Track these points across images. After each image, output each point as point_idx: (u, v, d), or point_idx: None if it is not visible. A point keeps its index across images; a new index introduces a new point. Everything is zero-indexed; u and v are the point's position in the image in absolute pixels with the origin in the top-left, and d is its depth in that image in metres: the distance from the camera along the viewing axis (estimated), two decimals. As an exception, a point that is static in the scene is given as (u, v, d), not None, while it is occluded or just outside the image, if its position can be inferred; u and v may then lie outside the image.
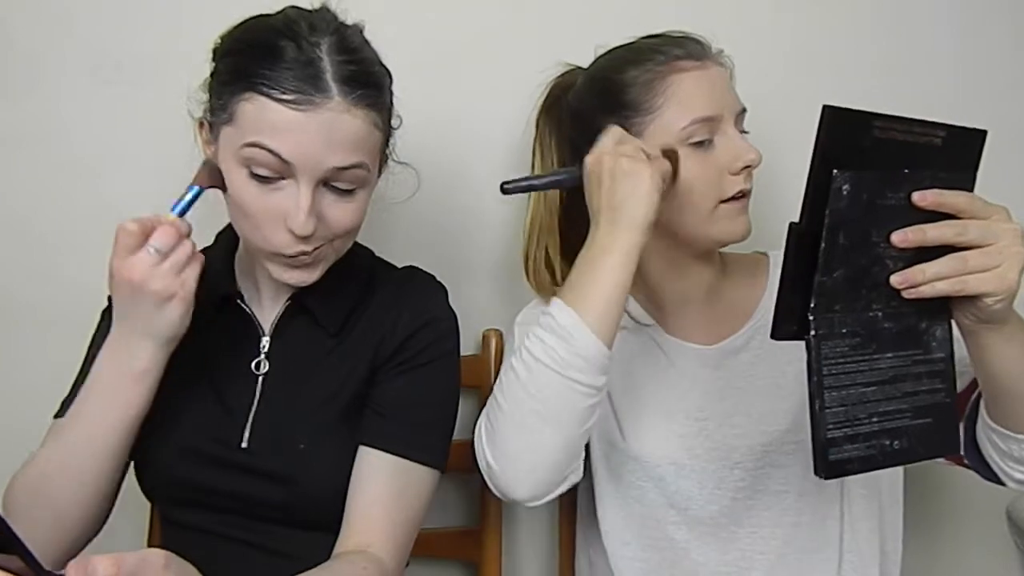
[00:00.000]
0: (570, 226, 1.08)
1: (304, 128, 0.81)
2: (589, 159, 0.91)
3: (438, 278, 1.03)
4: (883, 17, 1.32)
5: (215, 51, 0.90)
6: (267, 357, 0.96)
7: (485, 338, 1.24)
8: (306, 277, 0.89)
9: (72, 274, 1.20)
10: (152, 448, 0.94)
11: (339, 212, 0.87)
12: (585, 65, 1.07)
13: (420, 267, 1.04)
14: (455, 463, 1.21)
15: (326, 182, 0.85)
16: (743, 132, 1.00)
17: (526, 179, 0.96)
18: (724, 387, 1.02)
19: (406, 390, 0.95)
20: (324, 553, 0.89)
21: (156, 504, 0.96)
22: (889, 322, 0.75)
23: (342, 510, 0.90)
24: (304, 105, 0.81)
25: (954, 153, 0.75)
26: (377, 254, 1.05)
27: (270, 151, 0.82)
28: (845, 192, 0.70)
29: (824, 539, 1.00)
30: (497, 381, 0.93)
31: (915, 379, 0.76)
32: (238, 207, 0.87)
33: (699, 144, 0.96)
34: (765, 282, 1.07)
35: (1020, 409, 0.82)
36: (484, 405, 1.22)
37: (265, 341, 0.96)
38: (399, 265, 1.06)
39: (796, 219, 0.72)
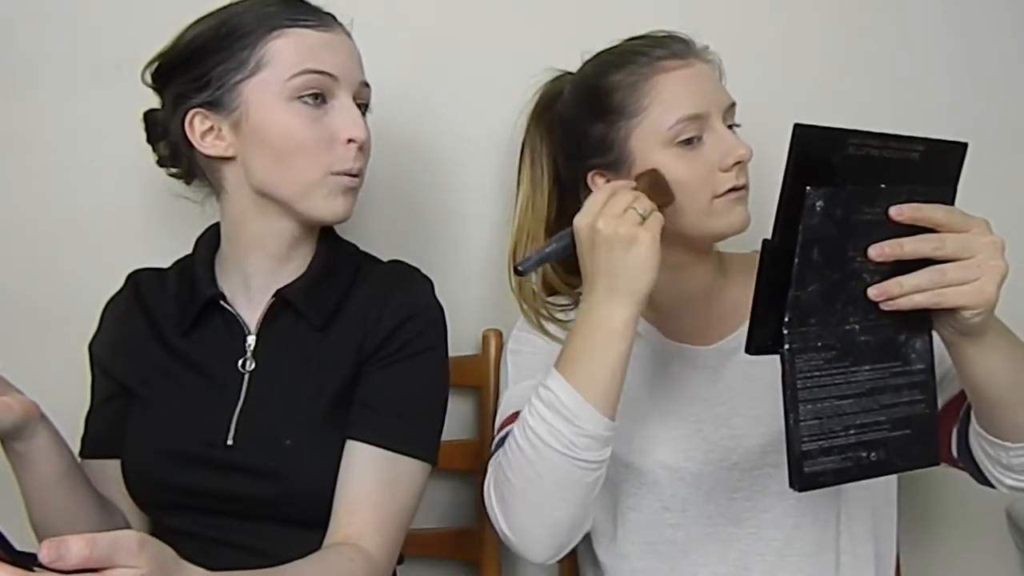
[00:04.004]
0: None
1: (336, 45, 0.92)
2: (580, 222, 0.89)
3: (423, 271, 1.02)
4: (881, 17, 1.32)
5: (193, 38, 0.92)
6: (253, 355, 0.96)
7: (485, 338, 1.24)
8: (350, 207, 0.94)
9: (73, 274, 1.20)
10: (138, 453, 0.94)
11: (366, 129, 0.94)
12: (575, 68, 1.06)
13: (405, 260, 1.03)
14: (455, 463, 1.22)
15: (354, 99, 0.93)
16: (734, 126, 0.99)
17: (538, 254, 0.93)
18: (723, 389, 1.02)
19: (393, 383, 0.94)
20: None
21: (146, 510, 0.97)
22: (866, 335, 0.75)
23: (331, 506, 0.90)
24: (328, 27, 0.92)
25: (933, 167, 0.74)
26: (376, 254, 1.05)
27: (319, 72, 0.90)
28: (819, 208, 0.70)
29: (823, 541, 1.00)
30: (503, 452, 0.91)
31: (894, 391, 0.76)
32: (288, 146, 0.90)
33: (688, 142, 0.95)
34: None
35: (1005, 417, 0.82)
36: (483, 405, 1.24)
37: (251, 339, 0.96)
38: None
39: (769, 235, 0.72)
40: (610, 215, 0.86)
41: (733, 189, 0.96)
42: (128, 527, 0.98)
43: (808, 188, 0.70)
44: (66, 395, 0.97)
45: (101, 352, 1.01)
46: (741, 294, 1.05)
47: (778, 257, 0.72)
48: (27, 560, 0.55)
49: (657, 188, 0.93)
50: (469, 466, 1.24)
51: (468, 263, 1.28)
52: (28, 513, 0.91)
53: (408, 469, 0.92)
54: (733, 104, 0.99)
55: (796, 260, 0.71)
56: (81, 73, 1.20)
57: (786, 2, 1.31)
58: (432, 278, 1.01)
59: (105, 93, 1.18)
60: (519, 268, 0.93)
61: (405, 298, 0.97)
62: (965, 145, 0.75)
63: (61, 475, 0.89)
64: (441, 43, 1.25)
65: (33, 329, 1.20)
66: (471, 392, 1.26)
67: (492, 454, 0.97)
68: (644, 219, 0.87)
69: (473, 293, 1.26)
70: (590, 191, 1.02)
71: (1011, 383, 0.79)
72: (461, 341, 1.21)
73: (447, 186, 1.27)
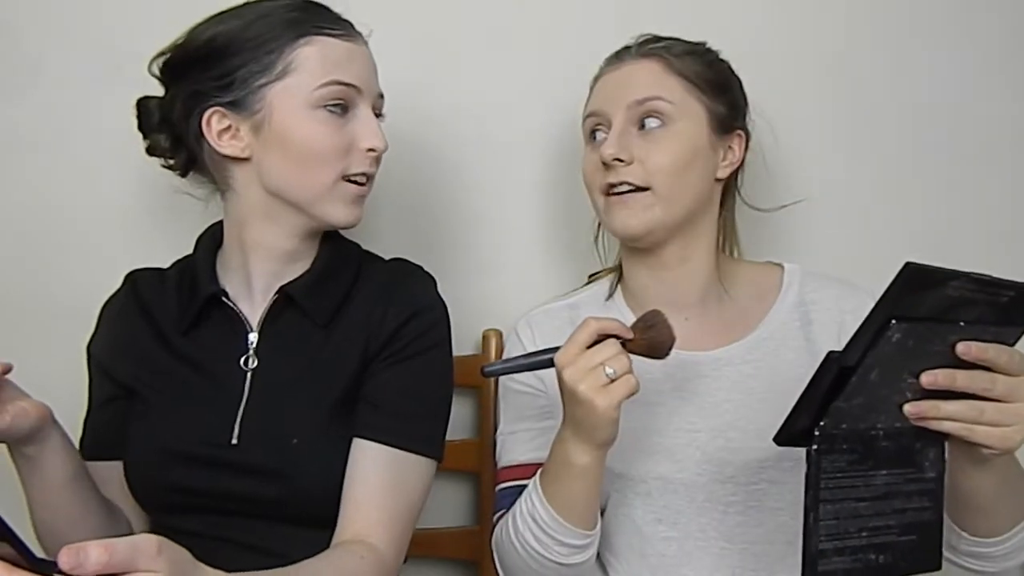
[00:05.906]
0: None
1: (358, 56, 0.94)
2: (557, 359, 0.85)
3: (425, 268, 1.02)
4: (882, 16, 1.32)
5: (214, 36, 0.91)
6: (256, 353, 0.96)
7: (485, 338, 1.24)
8: (360, 214, 0.96)
9: (73, 274, 1.20)
10: (141, 455, 0.94)
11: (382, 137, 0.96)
12: (580, 71, 1.09)
13: (408, 259, 1.04)
14: (455, 463, 1.22)
15: (372, 109, 0.96)
16: (650, 116, 0.98)
17: (504, 362, 0.95)
18: (721, 400, 1.00)
19: (398, 381, 0.95)
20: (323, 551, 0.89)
21: (149, 512, 0.97)
22: (887, 441, 0.77)
23: (338, 505, 0.90)
24: (351, 37, 0.94)
25: (1014, 308, 0.75)
26: (379, 254, 1.05)
27: (345, 83, 0.92)
28: (895, 340, 0.71)
29: None
30: (501, 535, 0.98)
31: (905, 497, 0.78)
32: (310, 152, 0.91)
33: (592, 136, 1.04)
34: (775, 295, 1.04)
35: (972, 516, 0.86)
36: (483, 405, 1.24)
37: (253, 337, 0.96)
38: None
39: (838, 348, 0.73)
40: (580, 367, 0.83)
41: (611, 189, 0.99)
42: (131, 529, 0.98)
43: (893, 322, 0.71)
44: (66, 395, 0.97)
45: (100, 353, 1.01)
46: (747, 304, 1.04)
47: (839, 371, 0.73)
48: (47, 567, 0.55)
49: (651, 343, 0.87)
50: (469, 466, 1.24)
51: (468, 263, 1.28)
52: (31, 516, 0.91)
53: (415, 466, 0.93)
54: (646, 99, 0.99)
55: (854, 378, 0.72)
56: (81, 73, 1.20)
57: (786, 2, 1.31)
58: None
59: (105, 93, 1.18)
60: (485, 370, 0.92)
61: (409, 296, 0.98)
62: None
63: (70, 478, 0.89)
64: (446, 47, 1.25)
65: (33, 329, 1.20)
66: (471, 392, 1.26)
67: (495, 511, 1.03)
68: (612, 381, 0.83)
69: (474, 293, 1.26)
70: None
71: (993, 498, 0.83)
72: (461, 341, 1.21)
73: (448, 187, 1.27)
